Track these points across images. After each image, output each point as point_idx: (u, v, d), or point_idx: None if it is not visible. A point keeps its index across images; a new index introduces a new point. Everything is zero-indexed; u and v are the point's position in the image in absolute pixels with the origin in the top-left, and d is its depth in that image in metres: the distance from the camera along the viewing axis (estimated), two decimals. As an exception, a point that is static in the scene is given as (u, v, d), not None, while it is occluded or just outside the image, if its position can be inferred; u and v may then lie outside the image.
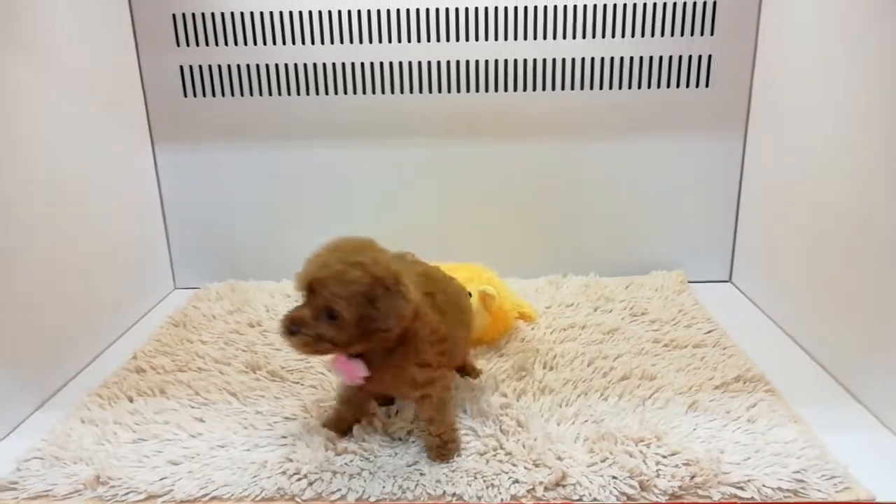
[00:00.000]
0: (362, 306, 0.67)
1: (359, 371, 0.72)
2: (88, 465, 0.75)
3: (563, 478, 0.71)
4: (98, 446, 0.79)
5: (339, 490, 0.71)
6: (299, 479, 0.72)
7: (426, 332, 0.73)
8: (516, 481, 0.72)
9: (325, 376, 0.94)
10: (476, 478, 0.72)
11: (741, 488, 0.70)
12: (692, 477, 0.71)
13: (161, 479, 0.73)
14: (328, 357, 0.74)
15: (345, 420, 0.81)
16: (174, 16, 1.18)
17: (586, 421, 0.82)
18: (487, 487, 0.71)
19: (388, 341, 0.71)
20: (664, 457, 0.74)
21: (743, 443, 0.77)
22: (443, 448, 0.75)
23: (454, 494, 0.71)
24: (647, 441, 0.76)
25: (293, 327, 0.68)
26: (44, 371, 0.93)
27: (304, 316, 0.68)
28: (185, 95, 1.22)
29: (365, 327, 0.69)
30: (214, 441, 0.80)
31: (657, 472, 0.72)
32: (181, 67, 1.21)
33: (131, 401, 0.89)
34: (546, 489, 0.70)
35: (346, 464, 0.75)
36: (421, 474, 0.73)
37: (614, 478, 0.71)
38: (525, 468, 0.73)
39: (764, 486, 0.70)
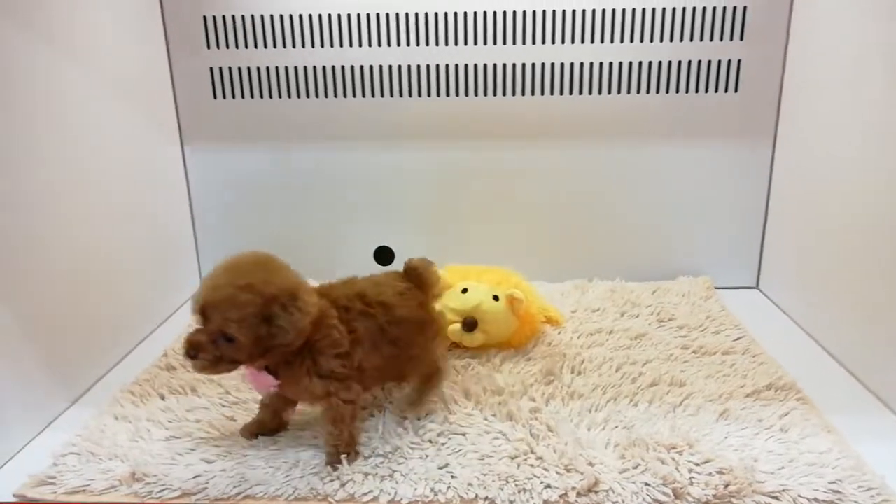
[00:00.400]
0: (257, 327, 0.68)
1: (268, 381, 0.74)
2: (124, 462, 0.76)
3: (596, 484, 0.71)
4: (132, 443, 0.80)
5: (371, 492, 0.71)
6: (332, 480, 0.73)
7: (326, 343, 0.74)
8: (548, 486, 0.71)
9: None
10: (508, 482, 0.72)
11: (776, 498, 0.69)
12: (726, 485, 0.70)
13: (195, 477, 0.73)
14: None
15: (264, 425, 0.82)
16: (205, 18, 1.19)
17: (616, 427, 0.82)
18: (519, 492, 0.71)
19: (288, 353, 0.72)
20: (697, 464, 0.73)
21: (776, 452, 0.76)
22: (334, 457, 0.76)
23: (486, 498, 0.71)
24: (679, 448, 0.76)
25: (192, 352, 0.69)
26: (77, 368, 0.94)
27: (201, 341, 0.69)
28: (215, 97, 1.23)
29: (264, 345, 0.70)
30: (246, 440, 0.80)
31: (690, 480, 0.71)
32: (211, 69, 1.22)
33: (163, 398, 0.90)
34: (579, 495, 0.70)
35: (377, 465, 0.75)
36: (452, 477, 0.73)
37: (647, 485, 0.71)
38: (557, 473, 0.73)
39: (800, 496, 0.69)
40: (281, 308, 0.69)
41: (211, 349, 0.69)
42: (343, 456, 0.75)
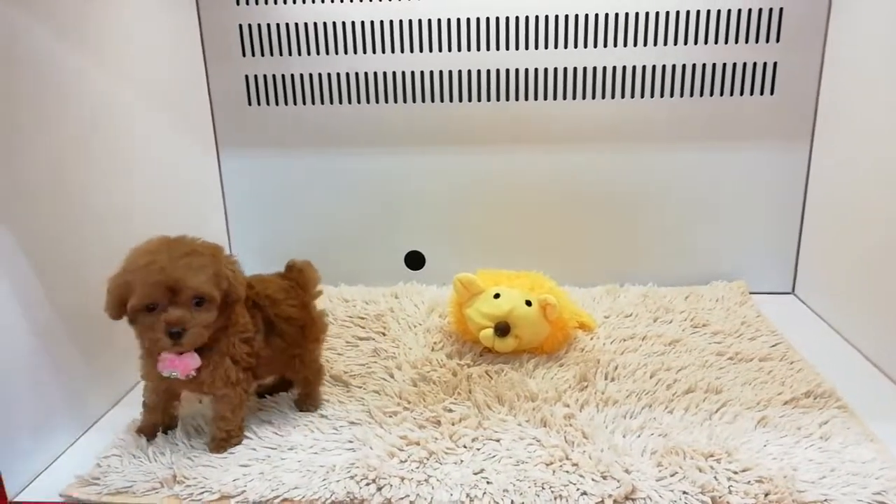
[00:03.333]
0: (218, 283, 0.73)
1: (193, 363, 0.75)
2: (164, 465, 0.77)
3: (633, 491, 0.71)
4: (172, 445, 0.81)
5: (408, 496, 0.72)
6: (368, 484, 0.73)
7: (239, 326, 0.78)
8: (585, 493, 0.71)
9: (387, 381, 0.95)
10: (544, 488, 0.72)
11: (818, 508, 0.68)
12: (766, 494, 0.69)
13: (234, 480, 0.75)
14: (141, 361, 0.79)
15: (156, 425, 0.84)
16: (240, 27, 1.21)
17: (652, 434, 0.81)
18: (556, 498, 0.71)
19: (214, 333, 0.76)
20: (735, 473, 0.73)
21: (817, 461, 0.75)
22: (226, 441, 0.80)
23: (522, 504, 0.71)
24: (717, 456, 0.75)
25: (177, 329, 0.71)
26: (119, 369, 0.96)
27: (182, 315, 0.71)
28: (250, 104, 1.25)
29: (222, 306, 0.75)
30: (283, 444, 0.81)
31: (729, 489, 0.71)
32: (246, 77, 1.24)
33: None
34: (615, 502, 0.70)
35: (413, 470, 0.76)
36: (488, 482, 0.73)
37: (685, 493, 0.71)
38: (593, 480, 0.73)
39: (842, 506, 0.68)
40: (226, 265, 0.75)
41: (193, 319, 0.72)
42: (235, 440, 0.81)
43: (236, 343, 0.78)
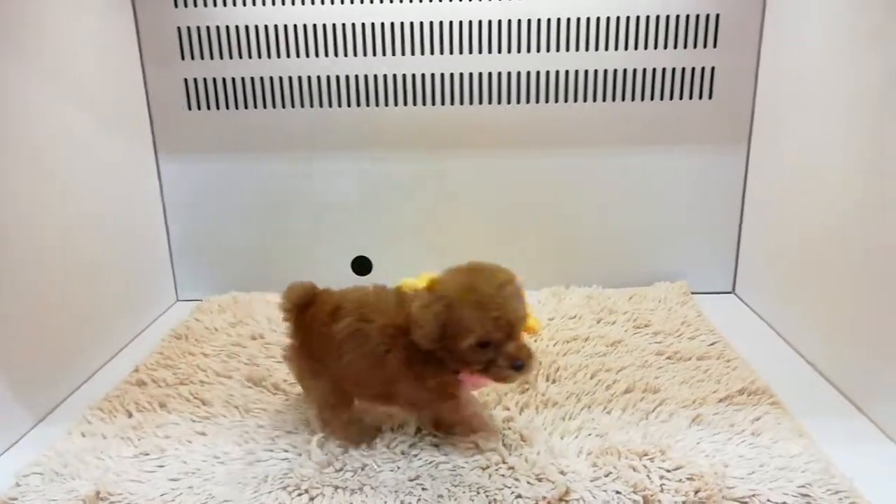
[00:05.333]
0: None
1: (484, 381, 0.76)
2: (88, 481, 0.75)
3: (567, 493, 0.71)
4: (98, 461, 0.78)
5: (341, 505, 0.71)
6: (300, 494, 0.72)
7: None
8: (519, 496, 0.71)
9: (327, 389, 0.94)
10: (479, 493, 0.72)
11: (746, 503, 0.69)
12: (696, 492, 0.70)
13: (162, 495, 0.72)
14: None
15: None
16: (179, 29, 1.18)
17: (590, 434, 0.81)
18: (491, 502, 0.70)
19: None
20: (668, 471, 0.73)
21: (747, 457, 0.76)
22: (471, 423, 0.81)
23: (456, 510, 0.70)
24: (650, 455, 0.76)
25: (521, 362, 0.70)
26: (45, 385, 0.92)
27: (522, 345, 0.71)
28: (190, 108, 1.23)
29: None
30: (215, 455, 0.79)
31: (661, 487, 0.71)
32: (185, 80, 1.21)
33: (130, 415, 0.88)
34: (549, 504, 0.70)
35: (347, 479, 0.74)
36: (423, 489, 0.73)
37: (618, 493, 0.71)
38: (528, 483, 0.73)
39: (769, 500, 0.69)
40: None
41: (528, 348, 0.71)
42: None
43: None
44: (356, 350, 0.75)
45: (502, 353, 0.70)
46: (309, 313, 0.81)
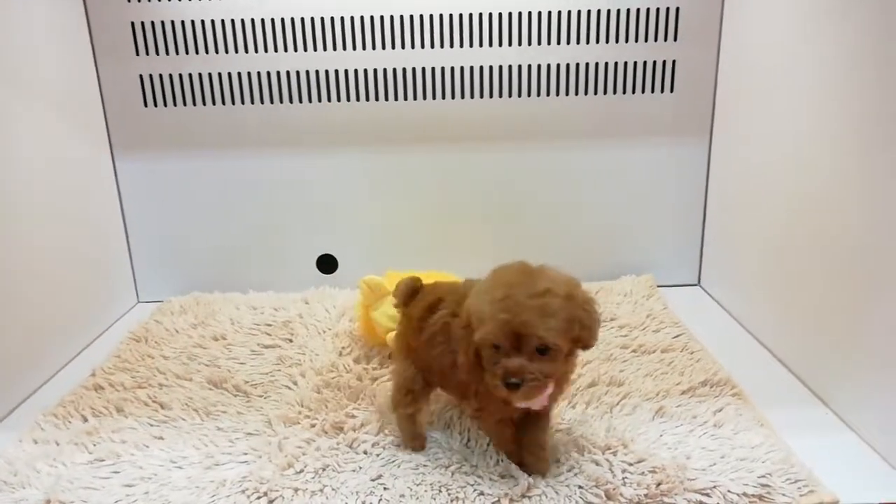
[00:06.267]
0: (568, 331, 0.65)
1: (548, 392, 0.69)
2: (38, 489, 0.72)
3: (529, 489, 0.70)
4: (51, 468, 0.76)
5: (301, 508, 0.69)
6: (259, 498, 0.70)
7: (571, 370, 0.72)
8: (482, 493, 0.70)
9: (290, 389, 0.92)
10: (441, 491, 0.71)
11: (707, 495, 0.69)
12: (658, 484, 0.70)
13: (116, 502, 0.71)
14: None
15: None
16: (132, 24, 1.15)
17: (554, 430, 0.81)
18: (453, 501, 0.70)
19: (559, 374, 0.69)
20: (630, 464, 0.73)
21: (709, 448, 0.76)
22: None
23: (418, 509, 0.69)
24: (613, 449, 0.76)
25: (516, 380, 0.63)
26: (-3, 391, 0.90)
27: (522, 363, 0.64)
28: (146, 105, 1.20)
29: (569, 352, 0.67)
30: (173, 460, 0.77)
31: (623, 481, 0.71)
32: (140, 77, 1.18)
33: (86, 420, 0.86)
34: (511, 501, 0.69)
35: (307, 480, 0.73)
36: (385, 489, 0.72)
37: (580, 487, 0.71)
38: (491, 480, 0.72)
39: (729, 491, 0.69)
40: (583, 308, 0.65)
41: (535, 369, 0.64)
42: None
43: (565, 387, 0.73)
44: (444, 344, 0.73)
45: (500, 363, 0.64)
46: (411, 305, 0.80)
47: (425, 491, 0.71)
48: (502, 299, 0.64)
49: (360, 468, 0.75)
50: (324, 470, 0.75)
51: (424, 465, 0.75)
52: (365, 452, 0.78)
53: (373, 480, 0.73)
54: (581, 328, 0.65)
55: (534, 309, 0.63)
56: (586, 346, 0.67)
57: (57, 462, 0.77)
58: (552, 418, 0.76)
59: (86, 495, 0.71)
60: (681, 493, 0.69)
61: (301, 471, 0.74)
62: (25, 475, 0.74)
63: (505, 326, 0.63)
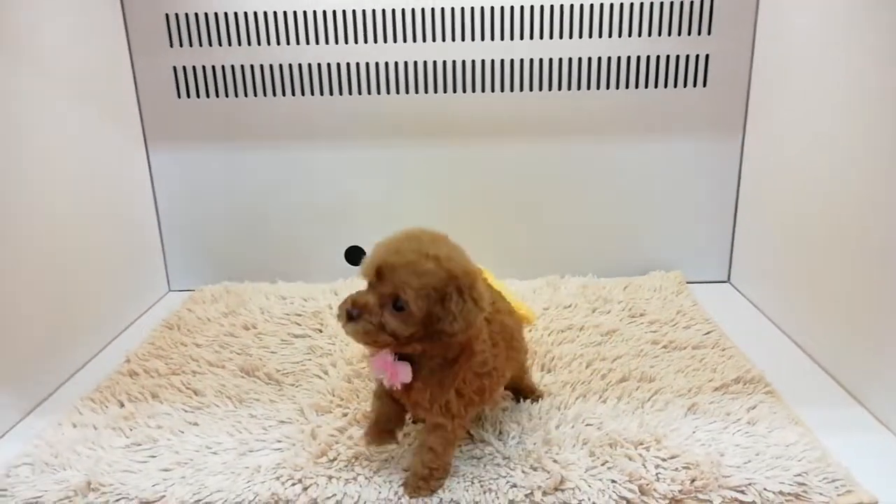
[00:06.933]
0: (432, 302, 0.62)
1: (403, 375, 0.66)
2: (79, 471, 0.74)
3: (562, 482, 0.70)
4: (90, 451, 0.78)
5: (335, 495, 0.70)
6: (294, 484, 0.71)
7: (477, 360, 0.68)
8: (514, 486, 0.71)
9: (322, 379, 0.93)
10: (473, 482, 0.71)
11: (742, 492, 0.69)
12: (692, 481, 0.70)
13: (154, 486, 0.72)
14: (367, 353, 0.69)
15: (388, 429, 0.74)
16: (167, 16, 1.17)
17: (585, 424, 0.81)
18: (485, 492, 0.70)
19: (446, 351, 0.67)
20: (664, 460, 0.73)
21: (743, 445, 0.76)
22: (426, 482, 0.70)
23: (451, 500, 0.69)
24: (646, 444, 0.75)
25: (354, 311, 0.62)
26: (36, 375, 0.91)
27: (369, 302, 0.62)
28: (179, 96, 1.21)
29: (429, 326, 0.63)
30: (208, 445, 0.79)
31: (657, 476, 0.71)
32: (174, 68, 1.20)
33: (122, 405, 0.87)
34: (544, 493, 0.69)
35: (341, 469, 0.74)
36: (417, 479, 0.72)
37: (613, 482, 0.70)
38: (523, 472, 0.72)
39: (765, 489, 0.69)
40: (457, 291, 0.63)
41: (377, 313, 0.62)
42: (436, 483, 0.70)
43: (469, 379, 0.68)
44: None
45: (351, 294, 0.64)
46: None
47: (458, 482, 0.71)
48: (387, 244, 0.65)
49: (392, 458, 0.76)
50: (356, 459, 0.75)
51: (456, 457, 0.75)
52: (396, 442, 0.78)
53: (406, 470, 0.73)
54: (442, 308, 0.63)
55: (405, 261, 0.63)
56: (446, 330, 0.63)
57: (96, 445, 0.79)
58: (439, 449, 0.69)
59: (124, 478, 0.73)
60: (715, 490, 0.69)
61: (334, 459, 0.75)
62: (66, 457, 0.76)
63: (374, 262, 0.64)
